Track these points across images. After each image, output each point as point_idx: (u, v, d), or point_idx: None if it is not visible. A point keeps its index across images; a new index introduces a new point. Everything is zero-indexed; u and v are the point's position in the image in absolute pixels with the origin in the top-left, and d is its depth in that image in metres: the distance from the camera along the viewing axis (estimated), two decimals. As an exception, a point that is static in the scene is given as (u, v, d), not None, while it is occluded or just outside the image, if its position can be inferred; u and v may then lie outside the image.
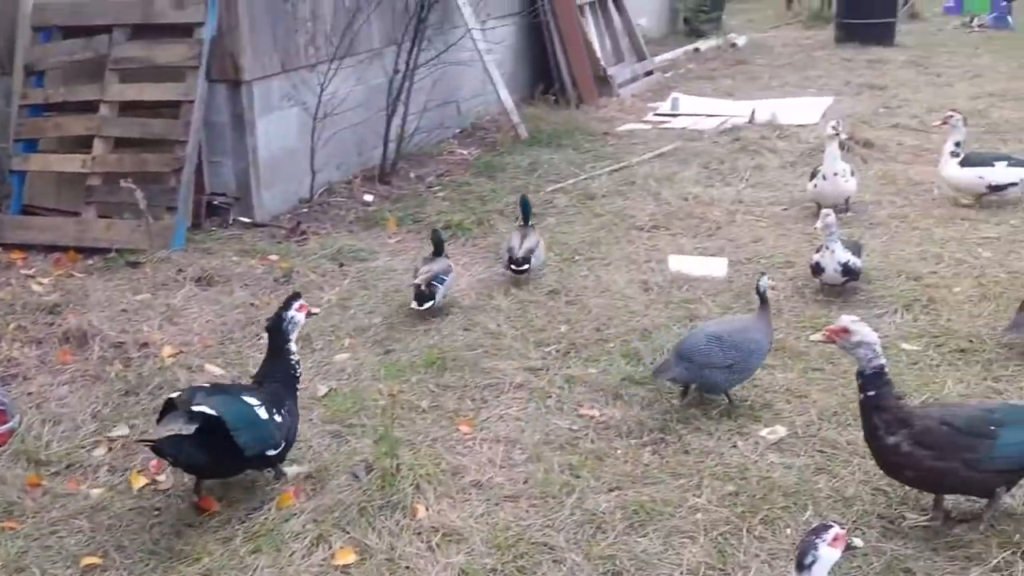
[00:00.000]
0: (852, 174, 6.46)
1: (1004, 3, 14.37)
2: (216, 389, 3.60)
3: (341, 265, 5.90)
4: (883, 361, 3.25)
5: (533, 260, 5.47)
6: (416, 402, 4.25)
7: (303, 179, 7.13)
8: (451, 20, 8.60)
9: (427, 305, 5.02)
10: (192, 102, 6.10)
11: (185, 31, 6.17)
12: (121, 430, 4.10)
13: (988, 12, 14.34)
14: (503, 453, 3.87)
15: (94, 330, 4.86)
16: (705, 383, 4.13)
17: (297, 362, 3.73)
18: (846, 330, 3.25)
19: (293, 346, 3.71)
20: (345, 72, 7.28)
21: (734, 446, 3.90)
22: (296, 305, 3.70)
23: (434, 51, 7.97)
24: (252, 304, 5.33)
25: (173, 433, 3.22)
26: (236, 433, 3.29)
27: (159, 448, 3.31)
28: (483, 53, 8.77)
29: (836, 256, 5.09)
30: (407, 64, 7.63)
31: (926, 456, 3.16)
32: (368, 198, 7.34)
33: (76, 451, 3.98)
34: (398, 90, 7.63)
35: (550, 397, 4.30)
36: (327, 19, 7.08)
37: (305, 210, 7.04)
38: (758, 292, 4.29)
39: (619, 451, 3.89)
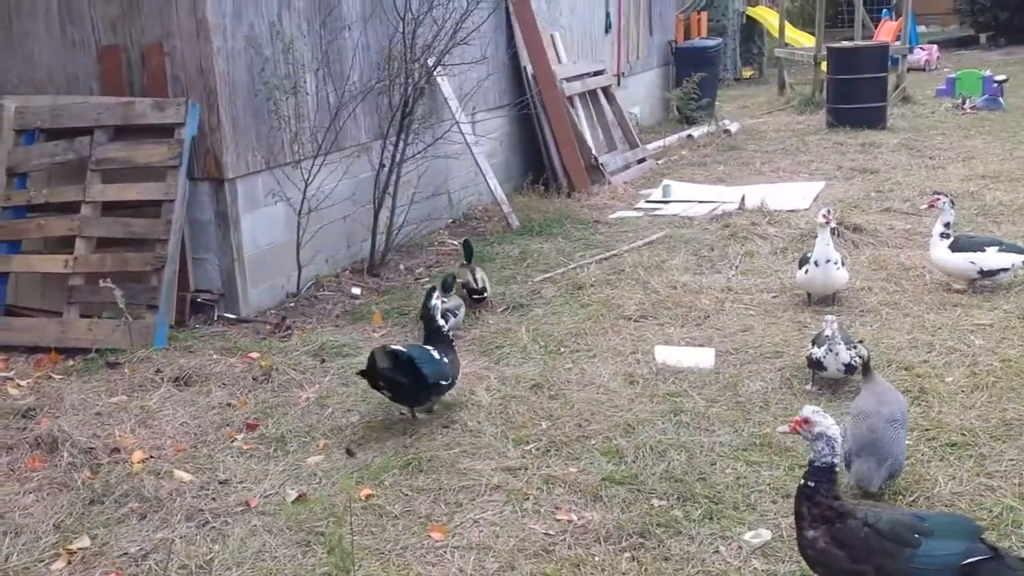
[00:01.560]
0: (844, 264, 6.37)
1: (995, 84, 14.47)
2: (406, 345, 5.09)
3: (323, 361, 5.80)
4: (836, 461, 3.16)
5: (489, 289, 6.58)
6: (388, 507, 4.11)
7: (290, 274, 7.09)
8: (439, 113, 8.67)
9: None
10: (173, 201, 6.10)
11: (166, 132, 6.20)
12: (82, 542, 3.96)
13: (980, 94, 14.41)
14: (475, 562, 3.71)
15: (65, 435, 4.75)
16: (898, 469, 4.02)
17: (448, 330, 5.26)
18: (808, 421, 3.20)
19: (441, 321, 5.21)
20: (332, 166, 7.30)
21: (716, 551, 3.74)
22: (436, 295, 5.32)
23: (422, 144, 8.02)
24: (229, 404, 5.22)
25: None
26: (421, 366, 4.72)
27: (371, 374, 4.77)
28: (471, 145, 8.82)
29: (840, 358, 5.01)
30: (393, 157, 7.66)
31: (840, 556, 3.03)
32: (356, 291, 7.29)
33: (34, 565, 3.83)
34: (385, 183, 7.65)
35: (527, 499, 4.16)
36: (311, 116, 7.12)
37: (292, 305, 6.99)
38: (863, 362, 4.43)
39: (596, 558, 3.73)
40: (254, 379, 5.51)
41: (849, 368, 5.04)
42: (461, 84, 8.88)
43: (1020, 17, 23.61)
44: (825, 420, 3.18)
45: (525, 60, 10.15)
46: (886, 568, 2.97)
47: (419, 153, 7.96)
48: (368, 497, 4.18)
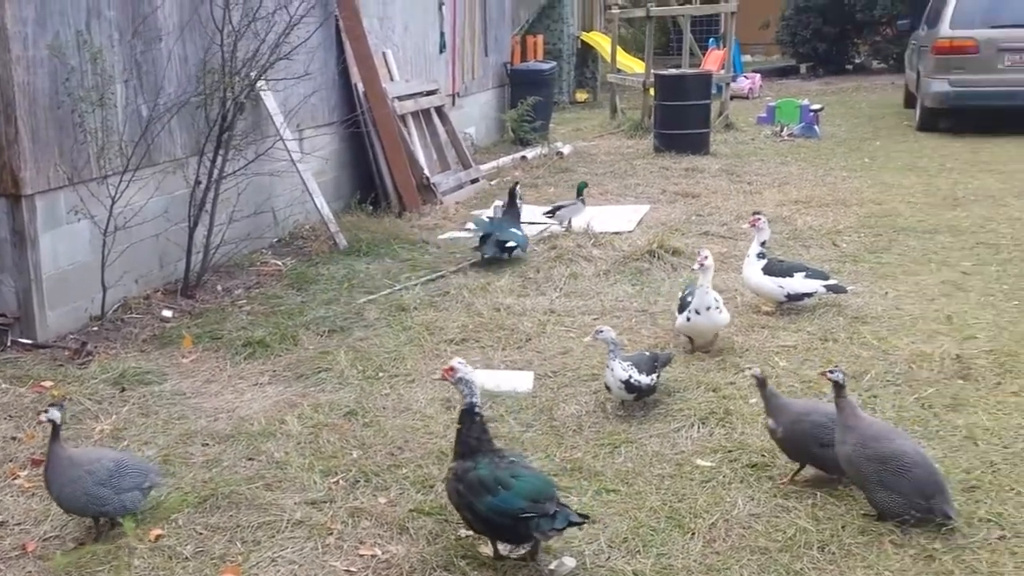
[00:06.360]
0: (723, 305, 6.00)
1: (812, 113, 15.22)
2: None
3: (123, 390, 5.49)
4: (475, 400, 3.87)
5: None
6: (179, 548, 3.89)
7: (95, 295, 6.70)
8: (263, 129, 8.41)
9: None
10: (-42, 218, 5.67)
11: (-47, 143, 5.76)
12: None
13: (797, 122, 15.13)
14: (268, 604, 3.55)
15: None
16: None
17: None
18: (453, 369, 3.87)
19: (519, 201, 8.13)
20: (143, 182, 6.96)
21: (519, 582, 3.70)
22: (519, 189, 8.47)
23: (244, 160, 7.76)
24: (14, 438, 4.86)
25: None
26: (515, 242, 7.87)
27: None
28: (297, 162, 8.60)
29: (616, 374, 5.05)
30: (210, 174, 7.37)
31: (456, 489, 3.78)
32: (167, 313, 6.96)
33: None
34: (201, 200, 7.34)
35: (331, 534, 4.01)
36: (120, 129, 6.76)
37: (96, 328, 6.60)
38: None
39: (397, 594, 3.63)
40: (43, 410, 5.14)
41: (630, 387, 5.06)
42: (287, 99, 8.67)
43: (838, 49, 25.05)
44: (465, 368, 3.88)
45: (356, 77, 10.00)
46: (473, 506, 3.72)
47: (240, 170, 7.70)
48: (158, 538, 3.94)
